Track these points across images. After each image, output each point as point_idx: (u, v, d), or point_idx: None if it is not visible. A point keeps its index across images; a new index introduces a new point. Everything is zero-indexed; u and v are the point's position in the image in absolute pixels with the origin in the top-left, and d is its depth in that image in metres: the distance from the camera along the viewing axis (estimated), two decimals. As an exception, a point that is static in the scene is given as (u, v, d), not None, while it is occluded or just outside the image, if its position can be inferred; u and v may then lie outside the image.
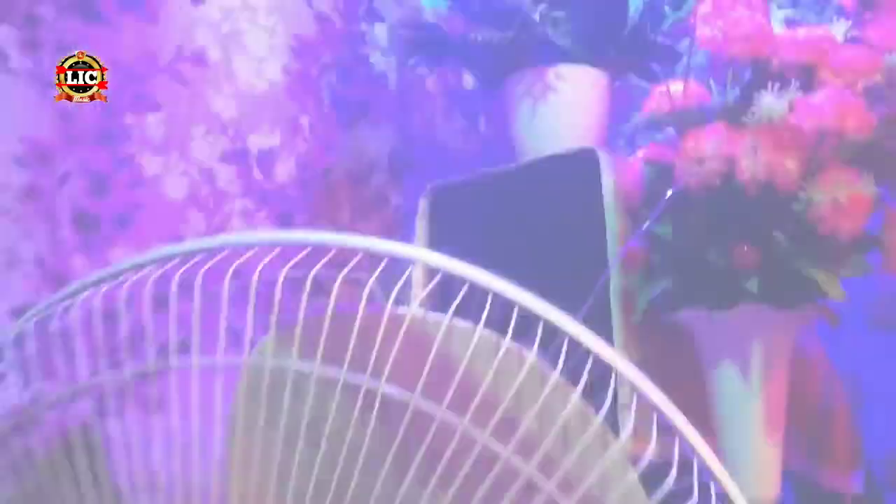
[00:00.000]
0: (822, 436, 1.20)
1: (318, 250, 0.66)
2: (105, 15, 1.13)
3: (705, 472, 0.55)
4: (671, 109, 1.01)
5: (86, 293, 0.63)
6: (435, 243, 1.25)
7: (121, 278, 0.63)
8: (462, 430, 0.55)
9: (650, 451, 0.54)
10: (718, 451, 0.90)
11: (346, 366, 0.59)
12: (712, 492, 0.55)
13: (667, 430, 0.55)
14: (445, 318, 0.63)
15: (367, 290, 0.65)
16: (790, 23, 1.07)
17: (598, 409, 0.55)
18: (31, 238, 1.03)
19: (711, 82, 1.06)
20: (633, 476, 0.54)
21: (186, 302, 0.61)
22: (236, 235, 0.63)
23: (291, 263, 0.65)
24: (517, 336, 0.62)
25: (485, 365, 0.60)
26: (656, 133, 1.16)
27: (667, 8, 1.22)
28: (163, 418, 0.59)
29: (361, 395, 0.57)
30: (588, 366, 0.55)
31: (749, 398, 0.99)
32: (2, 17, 1.03)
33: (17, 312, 0.96)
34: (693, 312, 0.99)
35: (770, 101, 0.88)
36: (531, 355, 0.58)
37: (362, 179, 1.38)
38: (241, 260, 0.64)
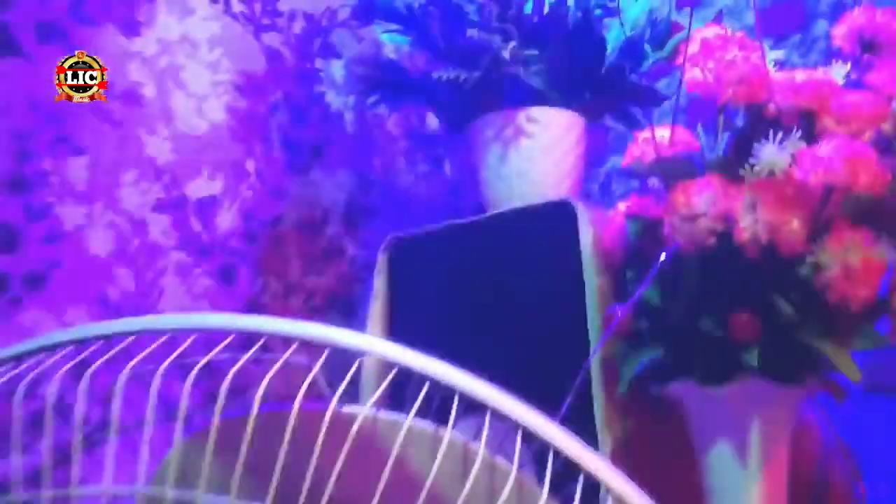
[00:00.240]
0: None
1: (247, 336, 0.53)
2: (22, 47, 1.00)
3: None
4: (657, 158, 0.90)
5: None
6: (395, 303, 1.13)
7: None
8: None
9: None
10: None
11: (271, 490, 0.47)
12: None
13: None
14: (403, 423, 0.52)
15: (306, 383, 0.54)
16: (781, 65, 0.98)
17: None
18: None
19: (700, 129, 0.96)
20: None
21: (72, 408, 0.48)
22: (144, 319, 0.50)
23: (214, 353, 0.53)
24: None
25: (451, 481, 0.49)
26: (636, 181, 1.06)
27: (647, 47, 1.13)
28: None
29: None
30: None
31: (747, 480, 0.88)
32: None
33: None
34: (684, 386, 0.88)
35: (771, 153, 0.78)
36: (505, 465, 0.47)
37: (315, 229, 1.26)
38: (145, 353, 0.51)
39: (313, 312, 1.22)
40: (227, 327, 0.50)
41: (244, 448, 0.45)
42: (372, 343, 0.50)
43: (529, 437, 0.49)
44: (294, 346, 0.53)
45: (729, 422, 0.88)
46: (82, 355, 0.51)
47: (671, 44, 1.14)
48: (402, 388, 0.56)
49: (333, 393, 0.52)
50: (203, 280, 1.11)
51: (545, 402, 0.99)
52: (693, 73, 0.88)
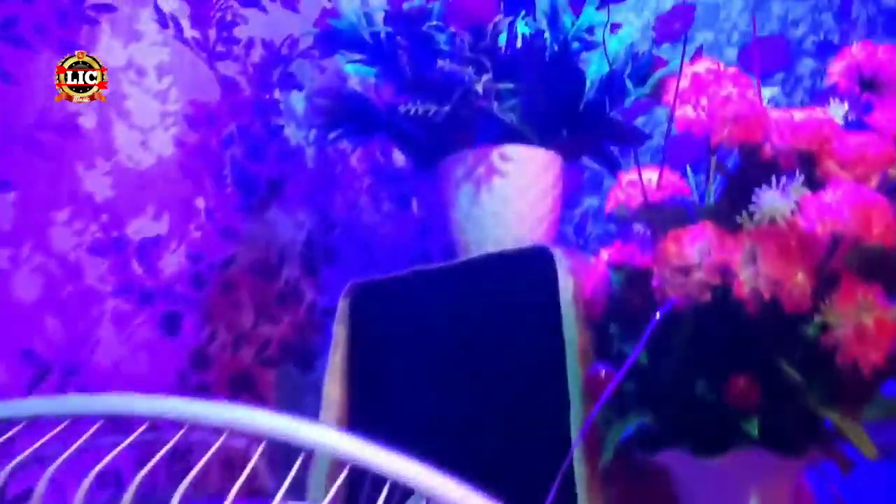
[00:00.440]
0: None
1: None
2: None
3: None
4: (645, 204, 0.83)
5: None
6: (356, 355, 1.03)
7: None
8: None
9: None
10: None
11: None
12: None
13: None
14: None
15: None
16: (775, 104, 0.91)
17: None
18: None
19: (689, 171, 0.89)
20: None
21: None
22: (42, 402, 0.41)
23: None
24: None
25: None
26: (614, 224, 0.98)
27: (629, 83, 1.06)
28: None
29: None
30: None
31: (742, 559, 0.79)
32: None
33: None
34: (675, 455, 0.80)
35: (773, 199, 0.71)
36: None
37: (270, 272, 1.16)
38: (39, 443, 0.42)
39: (266, 364, 1.12)
40: (135, 413, 0.41)
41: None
42: (318, 435, 0.40)
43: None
44: (224, 435, 0.43)
45: (724, 495, 0.79)
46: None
47: (654, 79, 1.07)
48: (359, 481, 0.47)
49: (277, 485, 0.43)
50: (143, 330, 1.01)
51: (520, 471, 0.90)
52: (684, 111, 0.81)
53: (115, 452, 0.42)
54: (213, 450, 0.40)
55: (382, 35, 1.06)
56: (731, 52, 1.34)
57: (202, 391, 1.04)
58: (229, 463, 0.96)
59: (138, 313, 1.01)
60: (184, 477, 0.40)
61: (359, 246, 1.27)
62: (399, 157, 1.37)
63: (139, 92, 1.07)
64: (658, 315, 0.72)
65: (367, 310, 1.05)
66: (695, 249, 0.75)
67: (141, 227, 1.04)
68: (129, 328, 1.00)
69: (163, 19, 1.11)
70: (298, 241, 1.20)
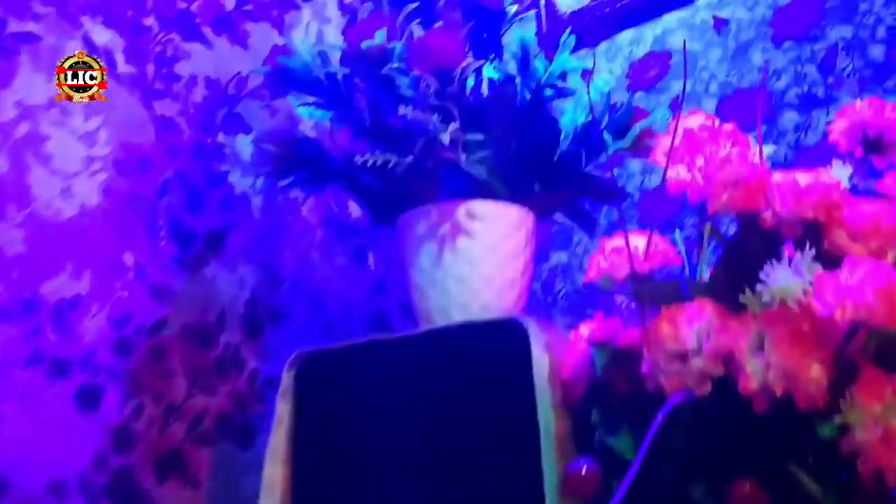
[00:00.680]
0: None
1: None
2: None
3: None
4: (633, 275, 0.73)
5: None
6: (302, 434, 0.91)
7: None
8: None
9: None
10: None
11: None
12: None
13: None
14: None
15: None
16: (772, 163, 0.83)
17: None
18: None
19: (679, 236, 0.80)
20: None
21: None
22: None
23: None
24: None
25: None
26: (599, 295, 0.88)
27: (607, 135, 0.97)
28: None
29: None
30: None
31: None
32: None
33: None
34: (667, 568, 0.69)
35: (785, 278, 0.61)
36: None
37: (207, 337, 1.04)
38: None
39: (200, 442, 0.99)
40: None
41: None
42: None
43: None
44: None
45: None
46: None
47: (634, 132, 0.98)
48: None
49: None
50: (55, 406, 0.88)
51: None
52: (676, 172, 0.72)
53: None
54: None
55: (339, 76, 0.96)
56: (710, 103, 1.27)
57: (124, 475, 0.91)
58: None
59: (51, 386, 0.88)
60: None
61: (309, 305, 1.15)
62: (355, 208, 1.26)
63: (63, 133, 0.95)
64: (659, 417, 0.62)
65: (315, 383, 0.93)
66: (692, 332, 0.66)
67: (58, 287, 0.91)
68: (39, 404, 0.87)
69: (93, 52, 1.00)
70: (241, 301, 1.08)
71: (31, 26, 0.95)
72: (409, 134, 0.91)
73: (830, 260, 0.66)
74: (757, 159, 0.72)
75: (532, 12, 1.46)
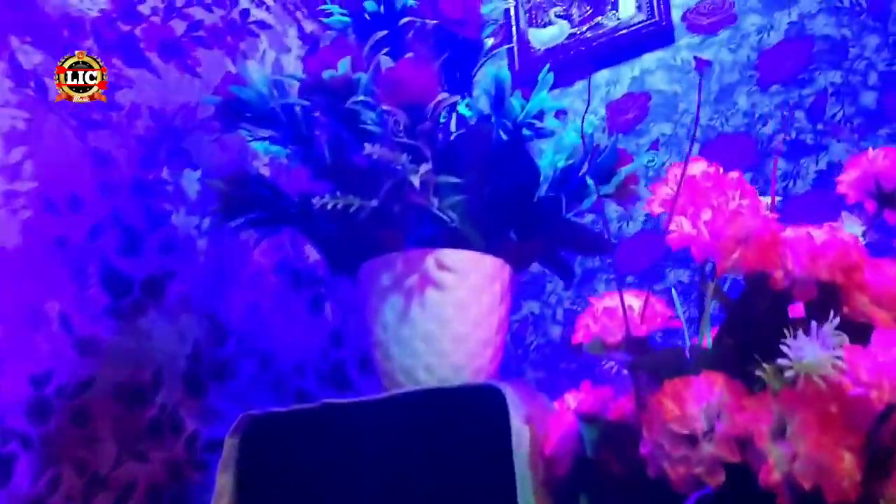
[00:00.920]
0: None
1: None
2: None
3: None
4: (629, 340, 0.64)
5: None
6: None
7: None
8: None
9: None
10: None
11: None
12: None
13: None
14: None
15: None
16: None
17: None
18: None
19: (676, 296, 0.71)
20: None
21: None
22: None
23: None
24: None
25: None
26: (586, 359, 0.79)
27: (590, 180, 0.89)
28: None
29: None
30: None
31: None
32: None
33: None
34: None
35: (812, 351, 0.53)
36: None
37: (141, 396, 0.92)
38: None
39: (128, 518, 0.87)
40: None
41: None
42: None
43: None
44: None
45: None
46: None
47: (619, 177, 0.91)
48: None
49: None
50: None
51: None
52: (679, 225, 0.63)
53: None
54: None
55: (297, 109, 0.87)
56: (693, 148, 1.20)
57: (35, 559, 0.78)
58: None
59: (-50, 458, 0.76)
60: None
61: (258, 361, 1.04)
62: (313, 251, 1.16)
63: (-22, 165, 0.84)
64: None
65: (262, 451, 0.82)
66: (701, 411, 0.57)
67: (-35, 342, 0.79)
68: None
69: (20, 76, 0.89)
70: (181, 356, 0.97)
71: (-52, 45, 0.84)
72: (374, 174, 0.81)
73: (852, 328, 0.58)
74: (768, 212, 0.64)
75: (504, 48, 1.39)
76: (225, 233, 1.04)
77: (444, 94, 0.81)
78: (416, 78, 0.79)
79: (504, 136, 0.91)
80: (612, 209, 1.22)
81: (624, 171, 0.92)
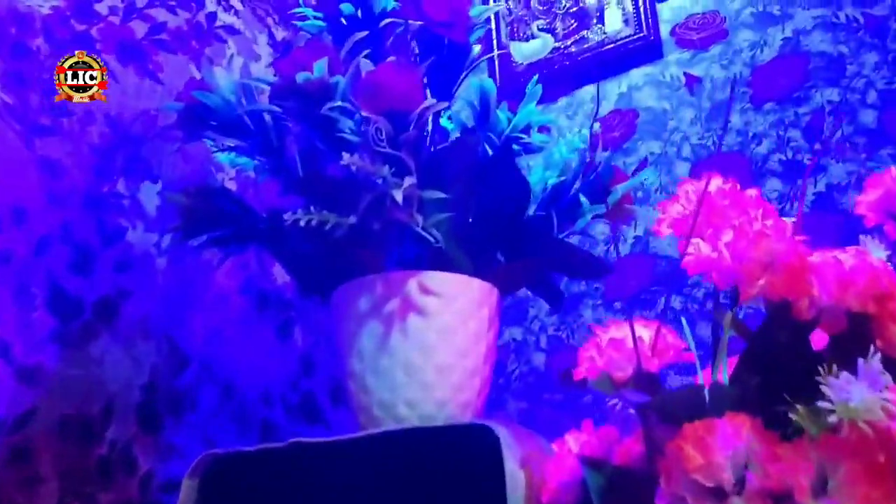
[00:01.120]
0: None
1: None
2: None
3: None
4: (638, 376, 0.57)
5: None
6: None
7: None
8: None
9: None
10: None
11: None
12: None
13: None
14: None
15: None
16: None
17: None
18: None
19: (686, 326, 0.65)
20: None
21: None
22: None
23: None
24: None
25: None
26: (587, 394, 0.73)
27: (583, 198, 0.83)
28: None
29: None
30: None
31: None
32: None
33: None
34: None
35: (859, 392, 0.46)
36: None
37: (89, 432, 0.83)
38: None
39: (70, 570, 0.77)
40: None
41: None
42: None
43: None
44: None
45: None
46: None
47: (615, 196, 0.85)
48: None
49: None
50: None
51: None
52: (697, 248, 0.57)
53: None
54: None
55: (266, 116, 0.79)
56: (683, 167, 1.15)
57: None
58: None
59: None
60: None
61: (220, 391, 0.96)
62: (282, 272, 1.08)
63: None
64: None
65: (223, 495, 0.74)
66: (728, 460, 0.50)
67: None
68: None
69: (-40, 76, 0.81)
70: (135, 386, 0.88)
71: None
72: (352, 188, 0.74)
73: (887, 364, 0.52)
74: (793, 234, 0.58)
75: (485, 60, 1.33)
76: (186, 251, 0.96)
77: (431, 100, 0.74)
78: (399, 82, 0.72)
79: (491, 151, 0.85)
80: (599, 230, 1.16)
81: (620, 188, 0.86)
